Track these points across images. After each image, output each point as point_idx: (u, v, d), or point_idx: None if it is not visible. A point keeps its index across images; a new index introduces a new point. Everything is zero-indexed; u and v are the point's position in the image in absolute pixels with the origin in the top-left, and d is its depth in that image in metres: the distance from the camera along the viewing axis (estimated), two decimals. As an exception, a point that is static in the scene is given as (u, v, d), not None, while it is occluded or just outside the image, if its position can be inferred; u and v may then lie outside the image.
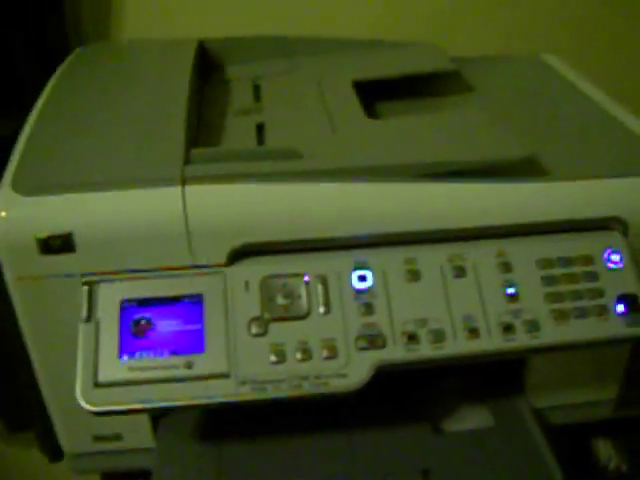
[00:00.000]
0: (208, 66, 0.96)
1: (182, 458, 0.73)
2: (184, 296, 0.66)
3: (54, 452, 1.16)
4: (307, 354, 0.64)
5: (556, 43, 1.12)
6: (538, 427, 0.76)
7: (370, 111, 0.85)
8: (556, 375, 0.79)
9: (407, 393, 0.79)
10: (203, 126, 0.80)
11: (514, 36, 1.15)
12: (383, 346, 0.65)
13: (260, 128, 0.80)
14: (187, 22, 1.05)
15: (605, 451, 0.86)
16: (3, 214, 0.64)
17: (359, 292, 0.66)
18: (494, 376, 0.80)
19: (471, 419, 0.78)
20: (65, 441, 0.78)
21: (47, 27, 1.00)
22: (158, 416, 0.76)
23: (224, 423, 0.76)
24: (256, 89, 0.91)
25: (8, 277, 0.66)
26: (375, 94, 0.90)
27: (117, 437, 0.77)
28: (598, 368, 0.80)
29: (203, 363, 0.63)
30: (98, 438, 0.77)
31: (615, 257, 0.70)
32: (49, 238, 0.64)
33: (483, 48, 1.10)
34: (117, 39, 1.07)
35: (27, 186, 0.65)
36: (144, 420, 0.75)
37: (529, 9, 1.14)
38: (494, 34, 1.14)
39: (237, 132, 0.79)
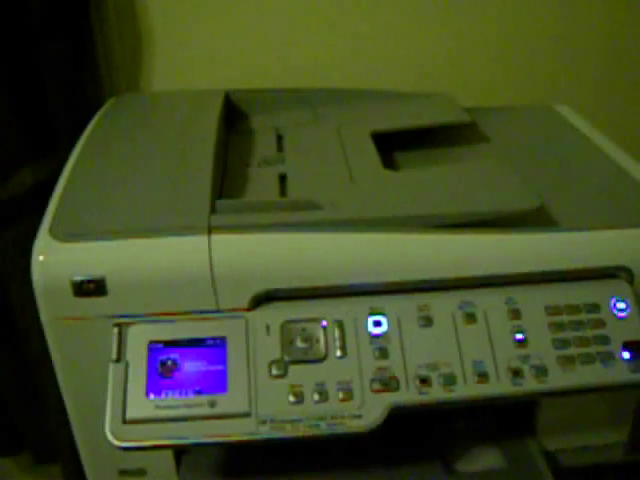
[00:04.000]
0: (233, 116, 1.00)
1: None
2: (208, 338, 0.69)
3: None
4: (324, 395, 0.67)
5: (569, 93, 1.16)
6: (548, 469, 0.78)
7: (387, 161, 0.89)
8: (567, 418, 0.80)
9: (422, 433, 0.82)
10: (228, 175, 0.85)
11: (527, 86, 1.18)
12: (397, 389, 0.68)
13: (282, 178, 0.84)
14: (214, 73, 1.10)
15: (616, 494, 0.88)
16: (41, 258, 0.68)
17: (374, 337, 0.70)
18: (506, 418, 0.82)
19: (483, 460, 0.80)
20: (91, 474, 0.81)
21: (82, 77, 1.05)
22: (181, 452, 0.79)
23: (245, 460, 0.79)
24: (279, 139, 0.95)
25: (44, 318, 0.70)
26: (392, 143, 0.94)
27: (141, 472, 0.79)
28: (608, 412, 0.81)
29: (225, 402, 0.67)
30: (123, 472, 0.79)
31: (621, 305, 0.73)
32: (83, 282, 0.68)
33: (497, 98, 1.14)
34: (148, 89, 1.12)
35: (63, 232, 0.70)
36: (168, 456, 0.78)
37: (543, 59, 1.18)
38: (508, 84, 1.18)
39: (260, 182, 0.83)
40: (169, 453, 0.78)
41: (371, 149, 0.88)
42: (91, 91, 1.07)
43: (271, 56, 1.11)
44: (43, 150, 1.03)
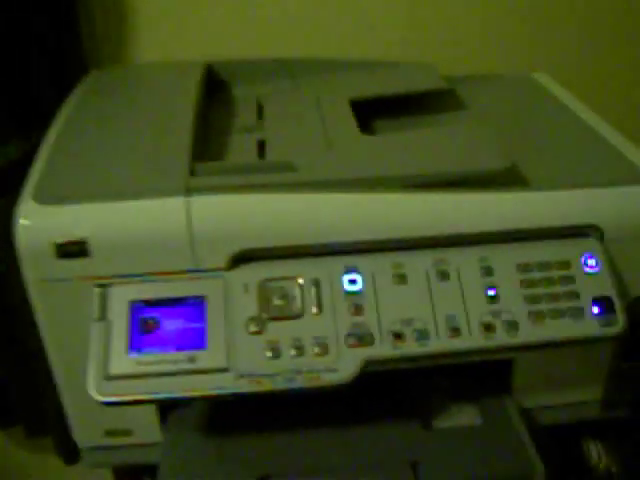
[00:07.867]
0: (215, 86, 1.02)
1: (186, 449, 0.78)
2: (188, 297, 0.71)
3: (70, 455, 1.21)
4: (301, 350, 0.69)
5: (546, 61, 1.17)
6: (523, 424, 0.80)
7: (366, 128, 0.90)
8: (542, 376, 0.83)
9: (400, 392, 0.84)
10: (209, 142, 0.86)
11: (506, 54, 1.19)
12: (371, 344, 0.70)
13: (261, 144, 0.85)
14: (196, 45, 1.11)
15: (595, 452, 0.90)
16: (24, 222, 0.70)
17: (349, 294, 0.72)
18: (484, 376, 0.84)
19: (460, 417, 0.82)
20: (79, 435, 0.83)
21: (65, 50, 1.06)
22: (166, 411, 0.81)
23: (226, 417, 0.81)
24: (259, 108, 0.96)
25: (28, 280, 0.72)
26: (372, 111, 0.95)
27: (127, 432, 0.82)
28: (582, 369, 0.83)
29: (205, 358, 0.69)
30: (109, 433, 0.82)
31: (591, 262, 0.75)
32: (65, 244, 0.69)
33: (476, 66, 1.15)
34: (131, 61, 1.13)
35: (46, 196, 0.71)
36: (152, 415, 0.80)
37: (520, 27, 1.19)
38: (486, 52, 1.19)
39: (240, 148, 0.84)
40: (153, 412, 0.80)
41: (349, 115, 0.89)
42: (75, 64, 1.07)
43: (253, 26, 1.12)
44: (28, 124, 1.03)
